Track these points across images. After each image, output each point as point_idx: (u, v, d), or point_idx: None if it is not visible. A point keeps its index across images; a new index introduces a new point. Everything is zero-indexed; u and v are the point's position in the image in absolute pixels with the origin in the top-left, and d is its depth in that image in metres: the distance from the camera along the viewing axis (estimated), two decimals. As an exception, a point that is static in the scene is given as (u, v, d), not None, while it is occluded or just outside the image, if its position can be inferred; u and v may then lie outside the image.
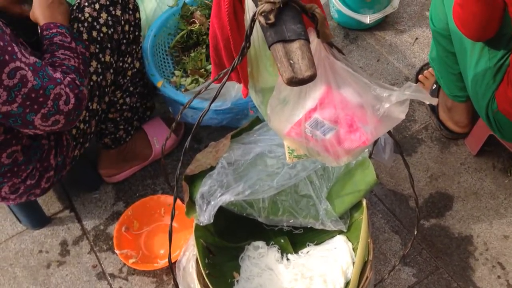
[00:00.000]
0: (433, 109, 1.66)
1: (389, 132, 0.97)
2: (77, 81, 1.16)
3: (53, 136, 1.30)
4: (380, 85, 0.83)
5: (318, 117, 0.89)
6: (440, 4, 1.38)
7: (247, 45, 0.75)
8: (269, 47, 0.71)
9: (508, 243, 1.42)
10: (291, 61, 0.68)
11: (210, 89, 1.61)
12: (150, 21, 1.75)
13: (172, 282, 1.42)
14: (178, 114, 0.98)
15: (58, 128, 1.13)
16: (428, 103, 0.82)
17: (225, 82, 0.81)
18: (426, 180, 1.56)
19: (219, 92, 0.83)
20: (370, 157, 1.32)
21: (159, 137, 1.67)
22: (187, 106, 0.94)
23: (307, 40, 0.70)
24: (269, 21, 0.70)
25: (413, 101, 1.75)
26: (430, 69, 1.71)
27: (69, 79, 1.14)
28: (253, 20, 0.71)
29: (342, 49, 1.92)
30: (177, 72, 1.69)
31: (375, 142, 1.19)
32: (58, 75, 1.11)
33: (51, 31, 1.22)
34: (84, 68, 1.21)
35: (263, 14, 0.70)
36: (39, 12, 1.25)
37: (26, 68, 1.04)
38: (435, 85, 1.67)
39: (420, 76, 1.76)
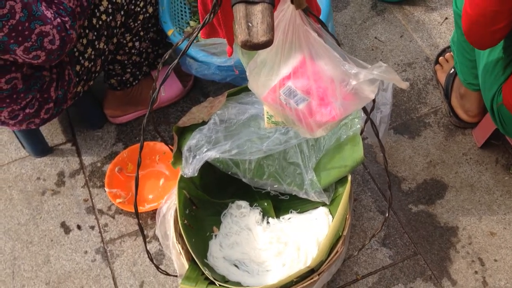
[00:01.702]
0: (447, 94, 1.60)
1: (364, 109, 0.95)
2: (67, 25, 1.17)
3: (55, 69, 1.34)
4: (353, 60, 0.81)
5: (292, 86, 0.88)
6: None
7: (218, 2, 0.74)
8: (232, 6, 0.70)
9: (493, 240, 1.39)
10: (250, 24, 0.67)
11: (218, 43, 1.61)
12: (173, -33, 1.73)
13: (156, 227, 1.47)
14: (170, 67, 0.98)
15: (37, 63, 1.17)
16: (400, 86, 0.79)
17: (195, 37, 0.80)
18: (424, 165, 1.52)
19: (192, 41, 0.83)
20: (361, 133, 1.29)
21: (166, 85, 1.69)
22: (166, 57, 0.93)
23: (271, 4, 0.69)
24: (235, -20, 0.69)
25: (429, 83, 1.69)
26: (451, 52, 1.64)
27: (59, 20, 1.15)
28: (221, -22, 0.70)
29: (367, 20, 1.86)
30: (192, 23, 1.69)
31: (367, 120, 1.17)
32: (49, 14, 1.13)
33: None
34: (80, 10, 1.23)
35: (230, -29, 0.68)
36: None
37: (17, 0, 1.06)
38: (452, 69, 1.60)
39: (440, 58, 1.69)
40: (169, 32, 1.55)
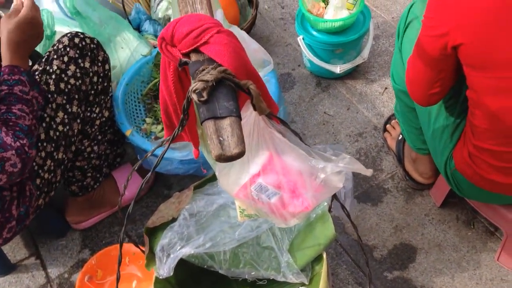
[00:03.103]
0: (399, 159, 1.69)
1: (335, 196, 0.99)
2: (26, 147, 1.17)
3: (15, 187, 1.32)
4: (317, 154, 0.85)
5: (262, 182, 0.91)
6: (400, 63, 1.43)
7: (185, 117, 0.78)
8: (201, 123, 0.73)
9: (469, 297, 1.42)
10: (221, 138, 0.70)
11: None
12: (124, 69, 1.79)
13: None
14: (132, 169, 0.99)
15: None
16: (365, 174, 0.84)
17: (168, 147, 0.83)
18: (391, 231, 1.57)
19: (164, 154, 0.85)
20: (329, 210, 1.33)
21: (128, 183, 1.68)
22: (135, 168, 0.95)
23: (238, 117, 0.73)
24: (202, 99, 0.73)
25: (381, 150, 1.78)
26: (397, 119, 1.75)
27: (19, 144, 1.16)
28: (187, 98, 0.74)
29: (314, 97, 1.97)
30: (148, 120, 1.72)
31: (334, 196, 1.22)
32: (9, 140, 1.13)
33: (13, 77, 1.23)
34: (36, 122, 1.23)
35: (196, 91, 0.73)
36: (5, 50, 1.25)
37: None
38: (401, 136, 1.70)
39: (387, 126, 1.80)
40: (127, 133, 1.58)
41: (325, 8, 1.87)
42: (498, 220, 1.41)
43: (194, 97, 0.73)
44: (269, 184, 0.90)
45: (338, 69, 1.92)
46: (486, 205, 1.41)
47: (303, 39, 1.92)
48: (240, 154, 0.71)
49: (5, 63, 1.26)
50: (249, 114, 0.83)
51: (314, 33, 1.89)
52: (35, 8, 1.28)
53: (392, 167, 1.72)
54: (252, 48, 0.92)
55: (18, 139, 1.16)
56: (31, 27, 1.27)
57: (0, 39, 1.26)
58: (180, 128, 0.80)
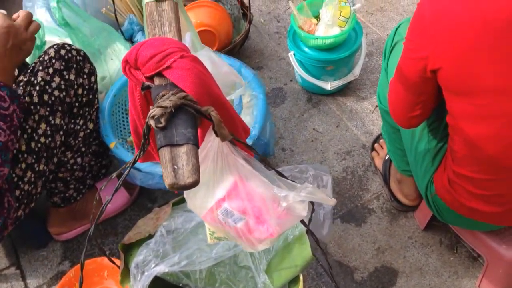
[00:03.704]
0: (385, 179, 1.68)
1: (302, 222, 0.98)
2: None
3: (-7, 199, 1.32)
4: (282, 181, 0.84)
5: (228, 207, 0.90)
6: (386, 83, 1.42)
7: (146, 142, 0.77)
8: (157, 150, 0.72)
9: (449, 324, 1.40)
10: (175, 166, 0.70)
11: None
12: (113, 80, 1.79)
13: None
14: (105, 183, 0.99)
15: None
16: (328, 203, 0.83)
17: (130, 169, 0.82)
18: (373, 252, 1.55)
19: (129, 170, 0.84)
20: (307, 232, 1.32)
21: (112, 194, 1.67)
22: (119, 185, 0.94)
23: (195, 145, 0.72)
24: (160, 125, 0.72)
25: (368, 170, 1.76)
26: (385, 139, 1.73)
27: None
28: (146, 124, 0.73)
29: (304, 112, 1.96)
30: (134, 132, 1.72)
31: (312, 217, 1.20)
32: None
33: None
34: (14, 137, 1.23)
35: (154, 117, 0.72)
36: None
37: None
38: (388, 156, 1.68)
39: (376, 145, 1.78)
40: (111, 145, 1.57)
41: (317, 24, 1.86)
42: (479, 247, 1.38)
43: (152, 123, 0.72)
44: (234, 209, 0.89)
45: (329, 85, 1.92)
46: (468, 231, 1.39)
47: (294, 55, 1.91)
48: (194, 184, 0.70)
49: None
50: (213, 139, 0.83)
51: (305, 49, 1.89)
52: (8, 18, 1.27)
53: (378, 187, 1.71)
54: (223, 71, 0.91)
55: None
56: (10, 36, 1.25)
57: None
58: (142, 153, 0.80)
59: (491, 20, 0.98)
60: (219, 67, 0.90)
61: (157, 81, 0.79)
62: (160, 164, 0.71)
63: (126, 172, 0.77)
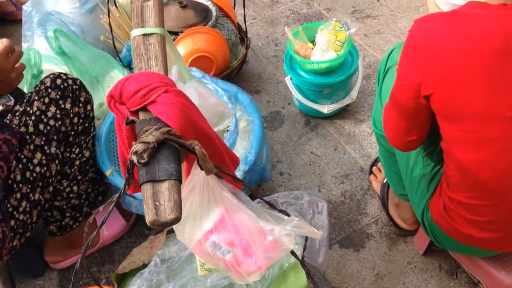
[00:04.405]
0: (384, 203, 1.66)
1: (293, 253, 0.96)
2: None
3: (-13, 229, 1.31)
4: (268, 213, 0.84)
5: (215, 239, 0.90)
6: (380, 108, 1.41)
7: (131, 176, 0.77)
8: (139, 185, 0.72)
9: None
10: (157, 203, 0.69)
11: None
12: (111, 107, 1.80)
13: None
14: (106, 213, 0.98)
15: None
16: (315, 236, 0.82)
17: (117, 201, 0.82)
18: (372, 279, 1.53)
19: (113, 207, 0.84)
20: (302, 260, 1.30)
21: (108, 223, 1.67)
22: (107, 216, 0.94)
23: (178, 180, 0.72)
24: (142, 161, 0.72)
25: (366, 193, 1.75)
26: (383, 162, 1.72)
27: None
28: (129, 159, 0.73)
29: (302, 136, 1.95)
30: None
31: (306, 245, 1.19)
32: None
33: None
34: (2, 164, 1.23)
35: (137, 153, 0.72)
36: None
37: None
38: (385, 179, 1.67)
39: (374, 168, 1.77)
40: (107, 172, 1.57)
41: (313, 49, 1.87)
42: (478, 273, 1.36)
43: (134, 159, 0.72)
44: (222, 242, 0.89)
45: (326, 109, 1.92)
46: (466, 257, 1.37)
47: (291, 79, 1.92)
48: (175, 220, 0.69)
49: None
50: (198, 172, 0.82)
51: (302, 73, 1.89)
52: None
53: (377, 211, 1.69)
54: (211, 102, 0.92)
55: None
56: None
57: None
58: (127, 187, 0.79)
59: (481, 47, 0.98)
60: (207, 98, 0.91)
61: (141, 115, 0.80)
62: (142, 200, 0.71)
63: (110, 208, 0.76)
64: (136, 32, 0.89)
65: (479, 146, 1.05)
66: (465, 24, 1.01)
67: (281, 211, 0.90)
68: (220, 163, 0.86)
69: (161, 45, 0.89)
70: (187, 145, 0.76)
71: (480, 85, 1.00)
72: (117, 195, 0.81)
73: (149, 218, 0.69)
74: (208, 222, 0.88)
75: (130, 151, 0.73)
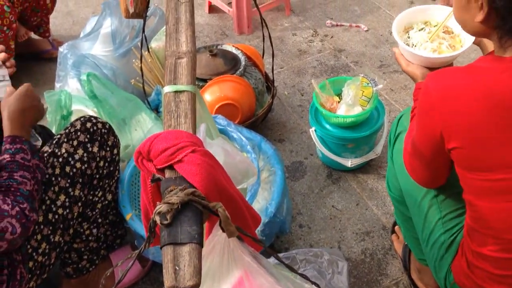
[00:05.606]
0: (405, 266, 1.61)
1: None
2: (26, 211, 1.19)
3: (6, 270, 1.31)
4: (288, 279, 0.82)
5: (233, 302, 0.88)
6: (393, 171, 1.39)
7: (152, 235, 0.77)
8: (160, 248, 0.72)
9: None
10: (177, 267, 0.68)
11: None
12: (135, 150, 1.82)
13: None
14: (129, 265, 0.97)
15: None
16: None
17: (138, 255, 0.81)
18: None
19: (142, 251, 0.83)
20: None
21: (125, 268, 1.66)
22: (124, 274, 0.93)
23: (200, 244, 0.71)
24: (165, 222, 0.72)
25: (388, 253, 1.71)
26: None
27: (18, 209, 1.17)
28: (153, 220, 0.73)
29: (323, 188, 1.93)
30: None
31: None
32: (6, 207, 1.15)
33: (15, 146, 1.27)
34: (38, 187, 1.27)
35: (160, 214, 0.72)
36: (6, 122, 1.31)
37: None
38: (407, 241, 1.63)
39: (396, 227, 1.73)
40: (128, 216, 1.58)
41: (339, 103, 1.88)
42: None
43: (158, 219, 0.72)
44: (239, 305, 0.87)
45: (349, 163, 1.90)
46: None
47: (315, 131, 1.92)
48: (195, 287, 0.68)
49: (7, 134, 1.31)
50: (220, 233, 0.82)
51: (327, 126, 1.90)
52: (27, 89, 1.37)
53: (398, 273, 1.64)
54: (237, 159, 0.92)
55: (17, 203, 1.18)
56: (28, 98, 1.35)
57: (2, 115, 1.33)
58: (147, 245, 0.79)
59: (503, 100, 0.97)
60: (232, 156, 0.91)
61: (167, 173, 0.80)
62: (162, 263, 0.70)
63: (129, 265, 0.76)
64: (168, 89, 0.91)
65: (504, 195, 1.03)
66: (483, 78, 1.00)
67: (302, 275, 0.88)
68: (241, 222, 0.86)
69: (191, 103, 0.91)
70: (211, 207, 0.75)
71: (504, 137, 0.99)
72: (137, 251, 0.81)
73: (168, 283, 0.68)
74: (227, 284, 0.86)
75: (154, 211, 0.73)
